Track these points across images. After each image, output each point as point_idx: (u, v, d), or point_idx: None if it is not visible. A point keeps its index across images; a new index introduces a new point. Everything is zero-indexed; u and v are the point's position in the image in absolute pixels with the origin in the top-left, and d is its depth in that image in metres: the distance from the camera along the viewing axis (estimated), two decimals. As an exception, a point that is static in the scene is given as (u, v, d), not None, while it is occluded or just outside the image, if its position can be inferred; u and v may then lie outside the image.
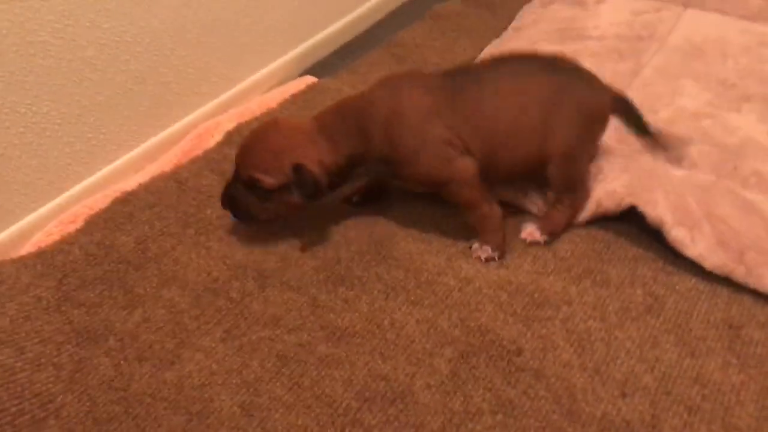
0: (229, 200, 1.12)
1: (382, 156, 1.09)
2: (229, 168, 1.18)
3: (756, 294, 1.06)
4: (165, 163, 1.36)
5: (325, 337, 1.02)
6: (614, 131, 1.26)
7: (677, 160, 1.26)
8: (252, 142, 1.09)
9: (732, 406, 0.91)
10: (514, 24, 1.80)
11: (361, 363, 0.98)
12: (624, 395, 0.93)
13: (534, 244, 1.16)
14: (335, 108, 1.12)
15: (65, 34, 1.16)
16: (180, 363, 0.99)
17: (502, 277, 1.10)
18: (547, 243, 1.15)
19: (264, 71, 1.61)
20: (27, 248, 1.18)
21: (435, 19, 1.84)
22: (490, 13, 1.87)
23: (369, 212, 1.23)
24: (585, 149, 1.17)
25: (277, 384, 0.96)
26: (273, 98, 1.52)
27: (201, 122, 1.47)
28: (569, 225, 1.17)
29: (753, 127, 1.36)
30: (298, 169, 1.05)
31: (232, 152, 1.15)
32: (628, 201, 1.14)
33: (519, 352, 0.99)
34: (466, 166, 1.08)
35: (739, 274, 1.07)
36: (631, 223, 1.17)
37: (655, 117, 1.39)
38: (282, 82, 1.64)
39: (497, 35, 1.76)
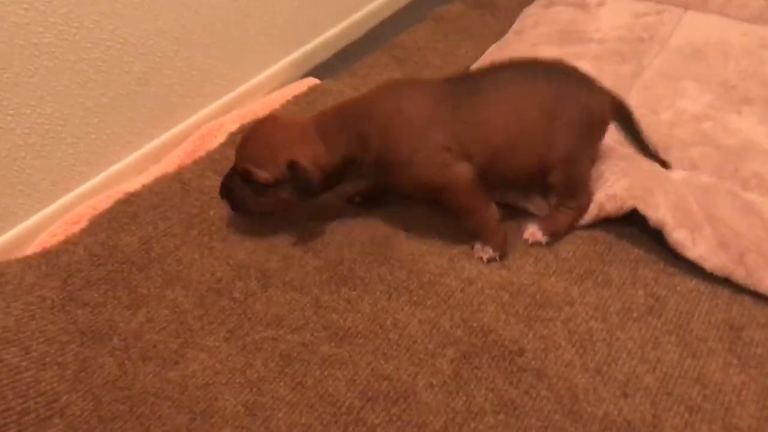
0: (226, 191, 1.14)
1: (378, 160, 1.09)
2: (232, 169, 1.18)
3: (756, 295, 1.06)
4: (168, 164, 1.36)
5: (328, 337, 1.03)
6: (615, 134, 1.27)
7: (667, 167, 1.27)
8: (251, 136, 1.12)
9: (733, 406, 0.92)
10: (515, 26, 1.80)
11: (364, 363, 0.99)
12: (625, 395, 0.93)
13: (536, 245, 1.16)
14: (335, 109, 1.13)
15: (69, 36, 1.16)
16: (184, 362, 0.99)
17: (504, 278, 1.11)
18: (549, 244, 1.16)
19: (266, 73, 1.62)
20: (32, 248, 1.19)
21: (436, 22, 1.85)
22: (492, 16, 1.88)
23: (371, 213, 1.24)
24: (586, 154, 1.17)
25: (281, 383, 0.97)
26: (275, 100, 1.53)
27: (204, 123, 1.47)
28: (572, 227, 1.18)
29: (754, 129, 1.37)
30: (292, 165, 1.06)
31: (235, 153, 1.16)
32: (629, 204, 1.15)
33: (521, 352, 0.99)
34: (463, 172, 1.08)
35: (739, 275, 1.07)
36: (632, 224, 1.17)
37: (656, 119, 1.40)
38: (284, 84, 1.64)
39: (498, 38, 1.76)
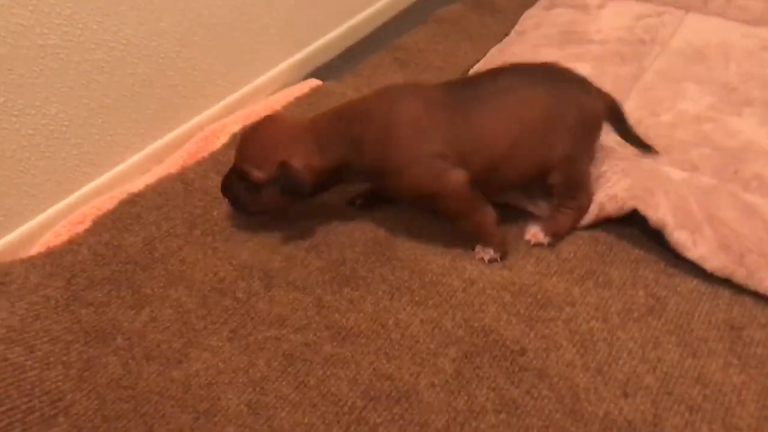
0: (225, 189, 1.16)
1: (372, 165, 1.09)
2: (235, 170, 1.19)
3: (757, 295, 1.07)
4: (172, 165, 1.37)
5: (331, 337, 1.03)
6: (616, 135, 1.28)
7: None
8: (248, 136, 1.13)
9: (733, 406, 0.92)
10: (517, 28, 1.81)
11: (366, 362, 0.99)
12: (626, 395, 0.94)
13: (537, 245, 1.17)
14: (332, 113, 1.13)
15: (74, 38, 1.17)
16: (187, 362, 1.00)
17: (506, 278, 1.11)
18: (550, 245, 1.16)
19: (269, 74, 1.63)
20: (36, 248, 1.20)
21: (438, 23, 1.85)
22: (493, 17, 1.88)
23: (373, 214, 1.24)
24: (585, 154, 1.18)
25: (283, 383, 0.97)
26: (278, 101, 1.54)
27: (207, 124, 1.48)
28: (573, 228, 1.18)
29: (754, 130, 1.37)
30: (283, 166, 1.07)
31: (239, 154, 1.16)
32: (630, 204, 1.15)
33: (522, 352, 1.00)
34: (456, 177, 1.07)
35: (739, 276, 1.07)
36: (633, 225, 1.18)
37: (656, 120, 1.41)
38: (287, 85, 1.65)
39: (499, 39, 1.77)
